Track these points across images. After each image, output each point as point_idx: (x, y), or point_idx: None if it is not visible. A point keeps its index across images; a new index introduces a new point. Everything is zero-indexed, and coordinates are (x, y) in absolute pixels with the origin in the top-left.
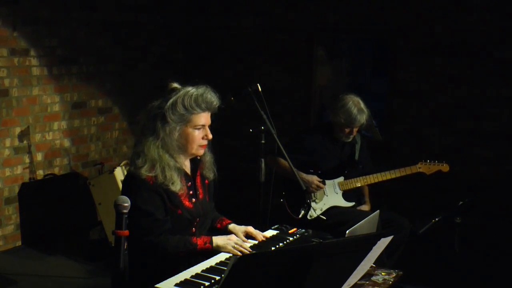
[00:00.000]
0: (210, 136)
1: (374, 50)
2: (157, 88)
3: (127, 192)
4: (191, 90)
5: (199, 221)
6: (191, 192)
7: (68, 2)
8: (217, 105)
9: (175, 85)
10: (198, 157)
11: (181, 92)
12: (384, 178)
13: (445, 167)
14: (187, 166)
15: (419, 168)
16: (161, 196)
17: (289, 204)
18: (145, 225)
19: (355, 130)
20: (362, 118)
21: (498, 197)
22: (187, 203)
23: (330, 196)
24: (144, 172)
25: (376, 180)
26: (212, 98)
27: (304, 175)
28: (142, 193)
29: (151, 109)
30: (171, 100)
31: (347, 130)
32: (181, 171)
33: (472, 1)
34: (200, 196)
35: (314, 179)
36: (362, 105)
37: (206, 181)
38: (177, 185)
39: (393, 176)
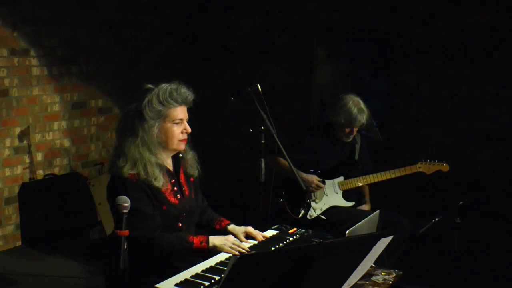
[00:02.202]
0: (189, 130)
1: (374, 50)
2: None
3: (113, 194)
4: (164, 85)
5: (185, 216)
6: (175, 189)
7: (68, 2)
8: (192, 99)
9: (149, 85)
10: (180, 155)
11: (156, 89)
12: (384, 178)
13: (445, 167)
14: (169, 163)
15: (419, 167)
16: (146, 192)
17: (289, 204)
18: (136, 222)
19: (355, 130)
20: (362, 118)
21: (498, 197)
22: (172, 199)
23: (330, 196)
24: (126, 170)
25: (376, 180)
26: (187, 91)
27: (304, 175)
28: (128, 192)
29: (128, 111)
30: (146, 98)
31: (347, 130)
32: (163, 167)
33: (472, 1)
34: (186, 193)
35: (314, 178)
36: (362, 105)
37: (192, 179)
38: (160, 181)
39: (393, 176)
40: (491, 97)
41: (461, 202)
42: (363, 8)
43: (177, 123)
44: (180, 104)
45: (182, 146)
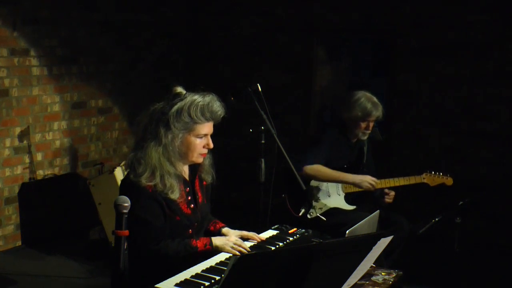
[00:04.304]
0: (211, 146)
1: (374, 50)
2: (157, 88)
3: None
4: (197, 98)
5: (197, 226)
6: (189, 198)
7: (68, 2)
8: (221, 115)
9: (180, 89)
10: None
11: (188, 100)
12: (388, 185)
13: (449, 181)
14: (185, 172)
15: (423, 178)
16: (160, 204)
17: (290, 200)
18: (144, 234)
19: (371, 125)
20: (378, 110)
21: (498, 197)
22: (185, 209)
23: (333, 197)
24: (144, 181)
25: (380, 186)
26: (218, 108)
27: (355, 175)
28: (141, 201)
29: (153, 112)
30: (176, 107)
31: (363, 125)
32: (180, 178)
33: (472, 1)
34: (199, 200)
35: (368, 177)
36: (375, 99)
37: (204, 183)
38: (176, 193)
39: (397, 184)
40: (491, 97)
41: (461, 202)
42: (363, 8)
43: (201, 137)
44: (209, 120)
45: (200, 160)
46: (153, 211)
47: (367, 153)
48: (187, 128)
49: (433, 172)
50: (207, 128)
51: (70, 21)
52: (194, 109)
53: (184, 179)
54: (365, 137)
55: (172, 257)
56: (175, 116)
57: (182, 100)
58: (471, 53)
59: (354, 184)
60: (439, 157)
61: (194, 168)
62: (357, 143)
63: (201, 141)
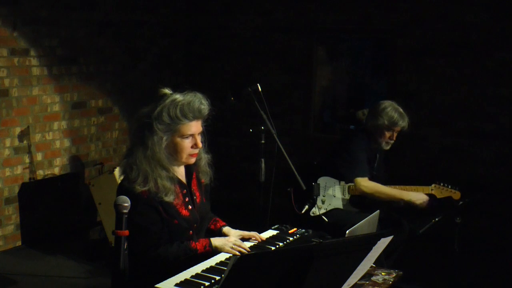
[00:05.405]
0: (200, 145)
1: (374, 50)
2: (157, 88)
3: None
4: (177, 98)
5: (196, 227)
6: (187, 199)
7: (68, 2)
8: (206, 112)
9: (165, 90)
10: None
11: (168, 101)
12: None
13: (456, 195)
14: (180, 173)
15: (432, 190)
16: (157, 209)
17: (295, 196)
18: (143, 240)
19: (395, 135)
20: (404, 121)
21: (498, 197)
22: (183, 211)
23: (338, 198)
24: (138, 187)
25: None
26: (201, 106)
27: (416, 193)
28: (137, 208)
29: (141, 116)
30: (158, 109)
31: (388, 134)
32: (174, 180)
33: (472, 1)
34: (198, 200)
35: (422, 195)
36: (401, 109)
37: (203, 181)
38: (171, 196)
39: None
40: (491, 97)
41: (461, 202)
42: (363, 8)
43: (187, 138)
44: (192, 120)
45: (191, 160)
46: (150, 217)
47: (378, 160)
48: (170, 130)
49: (442, 184)
50: (192, 127)
51: (70, 21)
52: (173, 110)
53: (180, 180)
54: (388, 147)
55: (172, 261)
56: (156, 118)
57: (164, 101)
58: (471, 53)
59: (410, 202)
60: (439, 157)
61: (190, 169)
62: (375, 151)
63: (188, 142)
